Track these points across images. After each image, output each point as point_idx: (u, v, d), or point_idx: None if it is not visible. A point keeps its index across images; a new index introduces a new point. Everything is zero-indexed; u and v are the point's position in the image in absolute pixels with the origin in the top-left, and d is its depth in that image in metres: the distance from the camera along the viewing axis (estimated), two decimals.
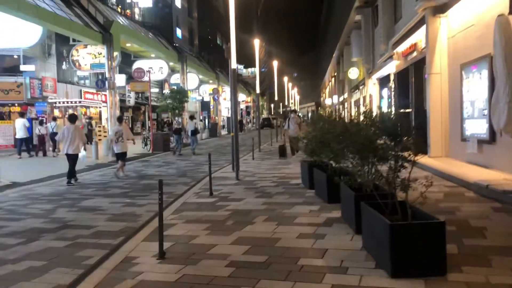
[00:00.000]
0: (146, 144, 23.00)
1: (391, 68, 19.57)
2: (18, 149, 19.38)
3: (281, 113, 66.54)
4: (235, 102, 11.89)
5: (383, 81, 23.68)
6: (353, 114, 36.68)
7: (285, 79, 54.24)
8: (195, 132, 21.11)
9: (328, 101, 69.68)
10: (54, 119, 21.60)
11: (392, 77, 19.39)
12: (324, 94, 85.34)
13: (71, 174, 11.39)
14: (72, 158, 11.35)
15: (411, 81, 16.08)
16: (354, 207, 5.49)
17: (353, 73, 31.52)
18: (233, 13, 11.84)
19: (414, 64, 15.70)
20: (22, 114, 20.53)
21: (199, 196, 8.91)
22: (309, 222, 6.26)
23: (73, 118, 12.09)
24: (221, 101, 58.15)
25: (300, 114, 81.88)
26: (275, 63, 33.71)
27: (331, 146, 6.30)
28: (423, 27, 13.86)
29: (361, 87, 29.99)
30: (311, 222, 6.25)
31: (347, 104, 39.76)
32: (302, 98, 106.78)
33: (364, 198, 5.24)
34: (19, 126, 19.18)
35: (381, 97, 24.00)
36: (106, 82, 18.72)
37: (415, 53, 15.45)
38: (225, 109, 64.82)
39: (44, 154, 19.89)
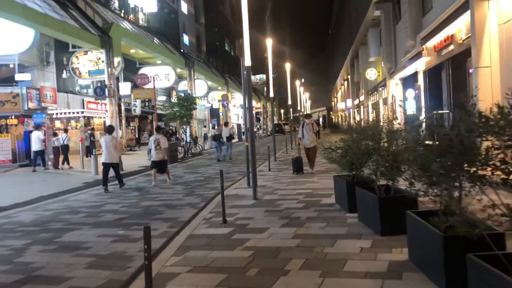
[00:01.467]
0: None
1: (419, 66, 17.67)
2: (33, 162, 18.90)
3: (291, 118, 64.50)
4: (249, 106, 10.06)
5: (408, 81, 21.77)
6: (371, 117, 34.71)
7: (297, 83, 52.41)
8: (230, 138, 20.89)
9: (340, 105, 67.71)
10: (66, 131, 20.86)
11: (420, 76, 17.47)
12: (335, 98, 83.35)
13: (119, 179, 12.39)
14: (114, 166, 12.11)
15: (447, 78, 14.19)
16: (444, 254, 3.64)
17: (371, 74, 29.62)
18: (246, 4, 10.07)
19: (451, 59, 13.81)
20: (37, 127, 19.59)
21: (210, 225, 7.08)
22: (366, 271, 4.40)
23: (110, 129, 12.75)
24: (231, 107, 56.61)
25: (317, 120, 79.93)
26: (287, 65, 31.88)
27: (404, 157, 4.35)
28: (464, 15, 12.00)
29: (380, 89, 28.06)
30: (370, 270, 4.39)
31: (364, 107, 37.79)
32: (313, 102, 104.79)
33: (460, 243, 3.42)
34: (34, 139, 18.57)
35: (404, 98, 22.06)
36: (106, 90, 17.02)
37: (452, 46, 13.56)
38: (234, 116, 63.18)
39: (56, 167, 19.03)
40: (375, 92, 31.01)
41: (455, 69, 13.49)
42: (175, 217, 8.04)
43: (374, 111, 33.79)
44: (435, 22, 14.49)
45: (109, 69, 17.27)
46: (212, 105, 46.45)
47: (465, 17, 12.11)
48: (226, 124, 22.21)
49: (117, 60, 22.08)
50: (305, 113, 21.23)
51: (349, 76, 51.72)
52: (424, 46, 16.50)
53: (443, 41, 14.23)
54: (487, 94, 10.83)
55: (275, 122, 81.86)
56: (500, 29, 10.56)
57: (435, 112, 13.85)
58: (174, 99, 31.17)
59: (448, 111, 13.96)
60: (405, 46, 19.87)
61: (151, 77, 20.94)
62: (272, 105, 24.35)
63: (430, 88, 16.31)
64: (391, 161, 5.61)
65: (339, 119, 75.78)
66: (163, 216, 8.31)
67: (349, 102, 52.54)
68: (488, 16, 10.81)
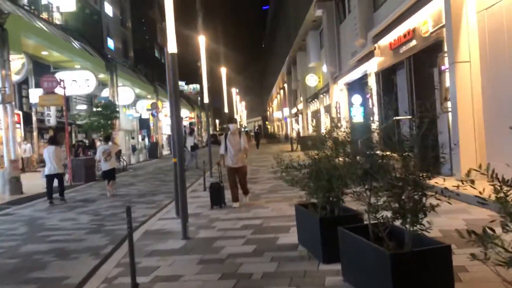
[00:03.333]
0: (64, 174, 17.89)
1: (370, 67, 15.94)
2: None
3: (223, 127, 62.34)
4: (177, 112, 7.43)
5: (354, 86, 20.14)
6: (311, 126, 33.09)
7: (233, 91, 50.27)
8: (195, 147, 20.86)
9: (277, 114, 66.43)
10: None
11: (372, 78, 15.72)
12: (271, 108, 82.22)
13: (62, 191, 12.26)
14: (58, 177, 12.11)
15: (408, 79, 12.40)
16: None
17: (312, 80, 27.94)
18: None
19: (412, 57, 12.03)
20: None
21: None
22: None
23: (53, 140, 12.82)
24: (162, 117, 53.27)
25: (247, 129, 78.14)
26: (223, 70, 29.58)
27: None
28: (431, 4, 10.24)
29: (322, 95, 26.39)
30: None
31: (303, 116, 36.18)
32: (249, 112, 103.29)
33: None
34: None
35: (350, 104, 20.40)
36: None
37: (414, 42, 11.79)
38: (167, 127, 59.75)
39: None
40: (315, 100, 29.39)
41: (418, 68, 11.72)
42: (61, 277, 5.28)
43: (314, 120, 32.23)
44: (391, 16, 12.73)
45: (3, 69, 13.91)
46: (141, 114, 43.00)
47: (433, 6, 10.36)
48: (191, 132, 22.07)
49: (20, 60, 18.58)
50: (230, 117, 17.42)
51: (285, 85, 50.31)
52: (376, 45, 14.77)
53: (402, 37, 12.46)
54: (465, 93, 9.02)
55: (211, 132, 79.24)
56: (480, 16, 8.79)
57: (395, 118, 11.95)
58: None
59: (409, 117, 12.13)
60: (351, 47, 18.18)
61: (61, 80, 17.64)
62: (207, 113, 21.76)
63: (385, 92, 14.57)
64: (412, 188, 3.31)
65: (275, 128, 74.52)
66: (43, 274, 5.50)
67: (286, 111, 51.12)
68: (465, 2, 9.03)
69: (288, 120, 51.65)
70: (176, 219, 7.76)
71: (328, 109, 25.55)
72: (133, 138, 47.03)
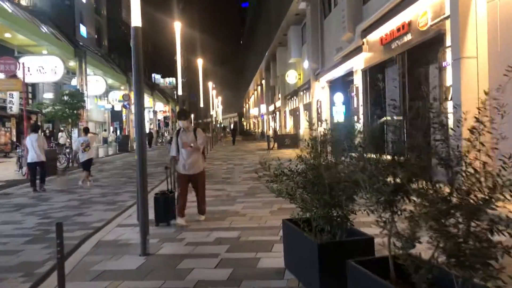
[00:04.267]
0: (21, 167, 16.34)
1: (356, 64, 14.96)
2: None
3: (202, 123, 60.89)
4: (139, 94, 6.10)
5: (337, 83, 19.19)
6: (289, 124, 32.07)
7: (209, 84, 48.90)
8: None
9: (253, 111, 65.31)
10: None
11: (358, 76, 14.74)
12: (247, 104, 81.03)
13: (43, 179, 12.19)
14: (41, 165, 12.14)
15: (400, 77, 11.43)
16: None
17: (292, 76, 26.88)
18: None
19: (406, 52, 11.06)
20: None
21: None
22: None
23: (35, 127, 12.99)
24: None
25: (223, 125, 76.47)
26: (200, 61, 28.27)
27: None
28: None
29: (302, 93, 25.37)
30: None
31: (281, 113, 35.15)
32: (225, 108, 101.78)
33: None
34: None
35: (332, 103, 19.43)
36: None
37: (409, 36, 10.81)
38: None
39: None
40: (295, 97, 28.36)
41: (412, 64, 10.75)
42: None
43: (292, 118, 31.25)
44: (384, 8, 11.72)
45: None
46: (113, 106, 41.19)
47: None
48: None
49: None
50: (180, 109, 14.40)
51: (263, 81, 49.21)
52: (365, 40, 13.79)
53: (395, 31, 11.47)
54: (472, 92, 8.03)
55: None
56: (491, 7, 7.83)
57: (387, 118, 10.96)
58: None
59: (401, 118, 11.16)
60: (336, 43, 17.18)
61: (19, 63, 16.03)
62: (178, 95, 20.41)
63: (372, 91, 13.60)
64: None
65: (251, 125, 73.39)
66: None
67: (263, 108, 50.02)
68: None
69: (265, 117, 50.61)
70: (137, 226, 6.52)
71: (308, 107, 24.56)
72: (105, 130, 45.14)
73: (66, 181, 14.86)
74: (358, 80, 14.76)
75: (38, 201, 10.40)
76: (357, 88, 14.58)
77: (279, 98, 36.41)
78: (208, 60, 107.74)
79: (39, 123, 26.38)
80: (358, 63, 14.69)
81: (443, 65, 8.84)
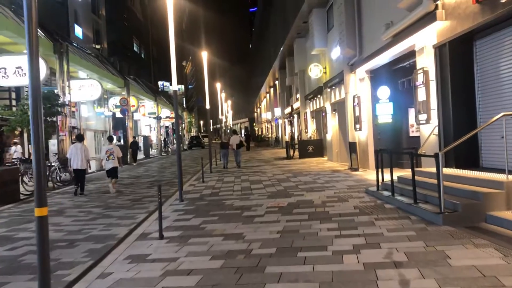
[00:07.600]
0: None
1: (421, 40, 10.72)
2: None
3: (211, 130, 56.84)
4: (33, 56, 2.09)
5: (381, 74, 15.02)
6: (311, 128, 27.84)
7: (218, 86, 44.88)
8: (240, 145, 22.00)
9: (266, 116, 61.01)
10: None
11: (428, 57, 10.45)
12: (258, 109, 76.82)
13: (83, 186, 13.32)
14: (80, 173, 13.27)
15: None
16: None
17: (316, 70, 22.63)
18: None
19: None
20: None
21: None
22: None
23: (81, 137, 13.98)
24: (140, 117, 47.63)
25: (247, 133, 71.50)
26: (204, 54, 24.28)
27: None
28: None
29: (329, 90, 21.09)
30: None
31: (301, 116, 30.85)
32: (234, 113, 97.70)
33: None
34: None
35: (374, 99, 15.21)
36: None
37: None
38: (146, 127, 53.86)
39: None
40: (318, 96, 24.08)
41: None
42: None
43: (315, 120, 26.98)
44: None
45: None
46: (114, 113, 37.30)
47: None
48: (235, 131, 25.82)
49: None
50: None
51: (277, 82, 45.00)
52: (439, 2, 9.56)
53: None
54: None
55: (193, 134, 73.42)
56: None
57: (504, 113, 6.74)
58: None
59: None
60: (384, 17, 12.96)
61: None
62: (176, 97, 16.29)
63: (456, 74, 9.33)
64: None
65: (263, 131, 69.01)
66: None
67: (277, 111, 45.72)
68: None
69: (280, 121, 46.36)
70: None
71: (338, 106, 20.30)
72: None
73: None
74: (426, 61, 10.49)
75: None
76: (426, 73, 10.29)
77: (297, 99, 32.16)
78: (216, 62, 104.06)
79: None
80: (425, 39, 10.44)
81: None
